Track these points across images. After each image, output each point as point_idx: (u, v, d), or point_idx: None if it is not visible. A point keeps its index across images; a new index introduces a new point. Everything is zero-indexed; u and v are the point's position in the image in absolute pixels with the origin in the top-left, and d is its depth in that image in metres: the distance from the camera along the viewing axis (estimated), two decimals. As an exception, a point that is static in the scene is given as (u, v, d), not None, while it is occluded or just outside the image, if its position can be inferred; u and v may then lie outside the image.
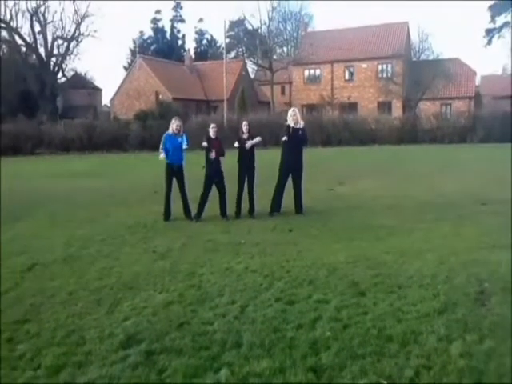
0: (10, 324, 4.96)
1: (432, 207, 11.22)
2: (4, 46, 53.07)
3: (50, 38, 52.65)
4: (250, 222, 10.09)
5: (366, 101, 47.39)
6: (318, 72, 50.30)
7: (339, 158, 27.29)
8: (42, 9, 51.41)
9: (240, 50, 68.99)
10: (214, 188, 10.51)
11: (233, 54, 68.10)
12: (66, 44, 53.71)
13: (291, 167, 10.63)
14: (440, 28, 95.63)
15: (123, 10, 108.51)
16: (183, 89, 49.51)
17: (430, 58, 47.04)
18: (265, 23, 54.30)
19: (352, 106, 46.78)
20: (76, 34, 53.53)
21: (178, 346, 4.37)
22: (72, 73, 58.20)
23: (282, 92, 58.20)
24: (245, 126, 10.59)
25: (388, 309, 5.06)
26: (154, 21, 70.23)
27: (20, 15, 52.74)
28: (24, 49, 52.93)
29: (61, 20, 66.90)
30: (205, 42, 74.86)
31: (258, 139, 10.53)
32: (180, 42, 71.19)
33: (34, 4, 51.44)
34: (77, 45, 54.47)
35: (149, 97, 47.09)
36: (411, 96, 43.22)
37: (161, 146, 10.45)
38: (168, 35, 70.54)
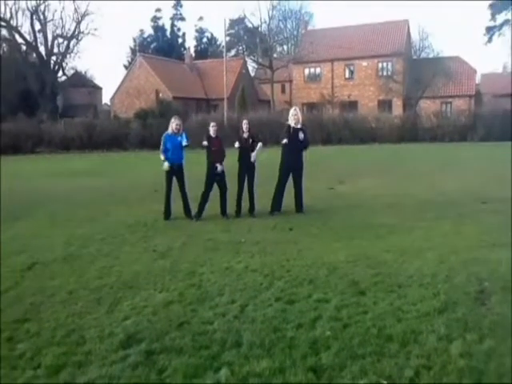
0: (10, 323, 4.96)
1: (432, 206, 11.22)
2: (4, 45, 53.07)
3: (50, 37, 52.76)
4: (250, 221, 10.09)
5: (366, 99, 47.36)
6: (318, 70, 50.27)
7: (339, 156, 27.29)
8: (42, 7, 51.55)
9: (240, 48, 68.93)
10: (214, 187, 10.50)
11: (233, 52, 68.05)
12: (66, 42, 53.77)
13: (291, 167, 10.61)
14: (440, 26, 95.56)
15: (123, 8, 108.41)
16: (183, 87, 49.50)
17: (431, 56, 47.06)
18: (265, 21, 54.38)
19: (352, 105, 46.75)
20: (76, 33, 53.64)
21: (178, 345, 4.37)
22: (72, 71, 58.29)
23: (283, 90, 58.16)
24: (245, 125, 10.59)
25: (388, 308, 5.06)
26: (154, 19, 70.21)
27: (20, 14, 53.05)
28: (24, 47, 52.97)
29: (61, 18, 66.94)
30: (205, 40, 74.80)
31: (259, 146, 10.52)
32: (180, 41, 71.16)
33: (34, 2, 51.47)
34: (77, 43, 54.63)
35: (149, 95, 47.07)
36: (411, 94, 43.21)
37: (161, 148, 10.45)
38: (168, 33, 70.49)
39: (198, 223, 10.07)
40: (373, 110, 43.93)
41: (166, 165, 10.41)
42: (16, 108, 41.82)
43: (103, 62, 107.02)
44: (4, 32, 51.68)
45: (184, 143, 10.39)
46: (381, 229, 8.95)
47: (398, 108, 44.86)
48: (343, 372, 3.84)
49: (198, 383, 3.78)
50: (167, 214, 10.48)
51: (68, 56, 55.02)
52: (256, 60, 58.66)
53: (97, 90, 62.39)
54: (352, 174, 17.91)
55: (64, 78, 56.73)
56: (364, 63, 47.86)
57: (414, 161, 23.22)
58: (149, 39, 70.26)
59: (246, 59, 58.56)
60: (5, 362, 4.17)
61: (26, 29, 53.00)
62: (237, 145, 10.48)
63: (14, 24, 50.67)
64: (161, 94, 46.59)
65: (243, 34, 63.97)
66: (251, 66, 62.24)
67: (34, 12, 51.06)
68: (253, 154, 10.46)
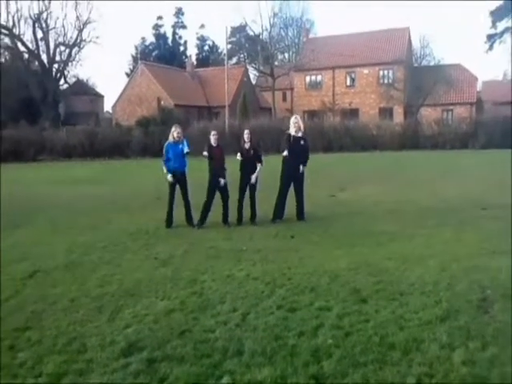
0: (11, 331, 4.95)
1: (433, 213, 11.21)
2: (6, 53, 53.28)
3: (52, 45, 52.95)
4: (251, 229, 10.09)
5: (367, 107, 47.42)
6: (319, 78, 50.37)
7: (340, 163, 27.29)
8: (44, 15, 51.73)
9: (241, 56, 69.21)
10: (216, 195, 10.50)
11: (234, 60, 68.30)
12: (68, 50, 53.94)
13: (292, 176, 10.61)
14: (441, 34, 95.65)
15: (125, 16, 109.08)
16: (185, 95, 49.63)
17: (432, 63, 47.00)
18: (266, 29, 54.48)
19: (353, 112, 46.76)
20: (78, 41, 53.78)
21: (180, 353, 4.37)
22: (74, 79, 58.57)
23: (284, 98, 58.28)
24: (246, 135, 10.58)
25: (390, 316, 5.05)
26: (156, 27, 70.50)
27: (22, 22, 52.82)
28: (26, 55, 53.18)
29: (63, 26, 67.49)
30: (206, 48, 75.05)
31: (259, 168, 10.54)
32: (182, 49, 71.42)
33: (36, 10, 51.75)
34: (79, 51, 54.79)
35: (151, 103, 47.17)
36: (412, 102, 43.22)
37: (163, 158, 10.48)
38: (170, 41, 70.77)
39: (200, 231, 10.07)
40: (374, 118, 43.93)
41: (170, 177, 10.43)
42: (18, 116, 41.89)
43: (105, 70, 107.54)
44: (6, 40, 51.94)
45: (185, 150, 10.42)
46: (382, 236, 8.95)
47: (399, 115, 44.88)
48: (345, 380, 3.83)
49: (199, 392, 3.78)
50: (169, 221, 10.47)
51: (70, 64, 55.29)
52: (257, 68, 58.79)
53: (98, 97, 62.58)
54: (353, 181, 17.91)
55: (66, 85, 56.96)
56: (365, 71, 47.95)
57: (415, 168, 23.21)
58: (150, 47, 70.54)
59: (248, 67, 58.75)
60: (6, 371, 4.17)
61: (28, 37, 53.63)
62: (239, 157, 10.50)
63: (17, 32, 50.91)
64: (162, 102, 46.70)
65: (244, 42, 64.22)
66: (252, 74, 62.43)
67: (37, 20, 51.29)
68: (253, 176, 10.51)
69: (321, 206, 12.55)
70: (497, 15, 54.29)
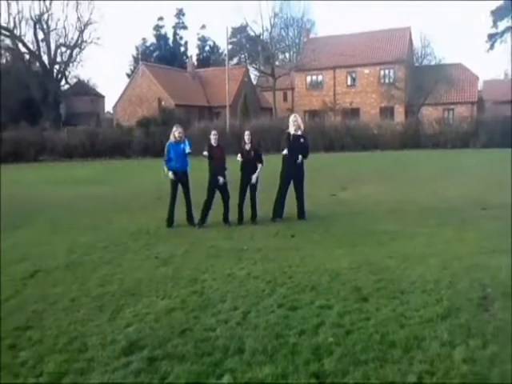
0: (12, 331, 4.96)
1: (435, 212, 11.20)
2: (7, 54, 53.33)
3: (53, 46, 53.04)
4: (252, 228, 10.09)
5: (368, 106, 47.40)
6: (320, 78, 50.36)
7: (341, 163, 27.28)
8: (45, 16, 51.77)
9: (242, 56, 69.23)
10: (217, 195, 10.51)
11: (235, 60, 68.35)
12: (69, 51, 53.98)
13: (292, 175, 10.61)
14: (442, 33, 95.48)
15: (126, 17, 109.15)
16: (186, 95, 49.66)
17: (433, 63, 46.96)
18: (267, 29, 54.46)
19: (354, 112, 46.74)
20: (79, 42, 53.83)
21: (181, 352, 4.37)
22: (75, 80, 58.59)
23: (285, 98, 58.30)
24: (247, 136, 10.57)
25: (391, 314, 5.05)
26: (157, 28, 70.50)
27: (23, 23, 52.90)
28: (27, 56, 53.21)
29: (64, 27, 66.92)
30: (207, 48, 75.07)
31: (260, 167, 10.54)
32: (182, 49, 71.44)
33: (37, 12, 51.74)
34: (80, 52, 54.85)
35: (151, 103, 47.22)
36: (413, 101, 43.20)
37: (164, 158, 10.49)
38: (170, 42, 70.80)
39: (201, 230, 10.08)
40: (375, 117, 43.93)
41: (171, 174, 10.45)
42: (19, 116, 41.94)
43: (106, 71, 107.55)
44: (7, 41, 52.02)
45: (187, 150, 10.43)
46: (383, 235, 8.94)
47: (400, 115, 44.87)
48: (346, 378, 3.83)
49: (200, 390, 3.78)
50: (170, 221, 10.47)
51: (71, 65, 55.36)
52: (258, 68, 58.79)
53: (99, 98, 62.60)
54: (354, 180, 17.90)
55: (67, 86, 57.01)
56: (366, 70, 47.94)
57: (417, 167, 23.20)
58: (151, 48, 70.57)
59: (248, 67, 58.80)
60: (7, 370, 4.17)
61: (29, 38, 53.47)
62: (239, 158, 10.51)
63: (18, 33, 50.97)
64: (163, 102, 46.74)
65: (245, 42, 64.23)
66: (253, 74, 62.46)
67: (38, 21, 51.33)
68: (253, 176, 10.51)
69: (322, 205, 12.55)
70: (498, 15, 54.29)
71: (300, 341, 4.50)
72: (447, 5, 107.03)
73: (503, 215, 10.19)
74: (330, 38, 52.19)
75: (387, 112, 45.65)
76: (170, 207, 10.51)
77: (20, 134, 36.94)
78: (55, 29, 52.98)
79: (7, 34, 50.55)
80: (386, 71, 47.41)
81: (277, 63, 56.29)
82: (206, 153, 10.30)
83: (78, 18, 54.07)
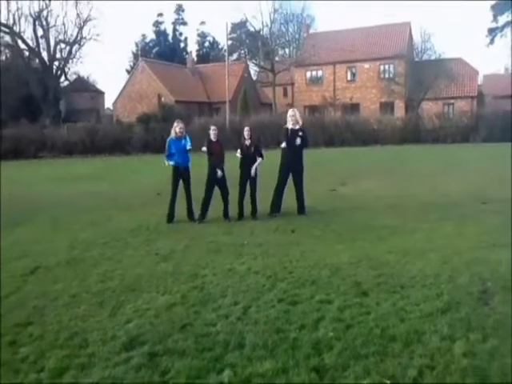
0: (13, 327, 4.97)
1: (435, 207, 11.20)
2: (7, 51, 53.22)
3: (52, 42, 52.93)
4: (252, 224, 10.09)
5: (368, 101, 47.35)
6: (320, 73, 50.29)
7: (341, 158, 27.26)
8: (44, 13, 51.64)
9: (242, 52, 68.98)
10: (216, 190, 10.51)
11: (235, 56, 68.12)
12: (68, 48, 53.90)
13: (291, 168, 10.62)
14: (442, 28, 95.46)
15: (125, 13, 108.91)
16: (185, 91, 49.58)
17: (433, 57, 46.84)
18: (267, 25, 54.28)
19: (354, 107, 46.71)
20: (78, 38, 53.72)
21: (181, 347, 4.38)
22: (75, 76, 58.38)
23: (284, 93, 58.22)
24: (246, 132, 10.58)
25: (391, 309, 5.06)
26: (156, 24, 70.40)
27: (23, 20, 52.85)
28: (27, 53, 53.11)
29: (63, 24, 66.96)
30: (207, 44, 74.96)
31: (259, 161, 10.55)
32: (182, 45, 71.33)
33: (36, 8, 51.66)
34: (79, 48, 54.73)
35: (151, 99, 47.16)
36: (413, 96, 43.14)
37: (166, 153, 10.50)
38: (170, 38, 70.70)
39: (201, 226, 10.08)
40: (375, 112, 43.92)
41: (172, 163, 10.44)
42: (18, 113, 41.91)
43: (105, 67, 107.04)
44: (7, 38, 51.91)
45: (188, 147, 10.43)
46: (383, 230, 8.94)
47: (400, 110, 44.84)
48: (346, 372, 3.84)
49: (200, 385, 3.78)
50: (171, 217, 10.48)
51: (70, 61, 55.20)
52: (258, 63, 58.68)
53: (99, 94, 62.53)
54: (354, 175, 17.89)
55: (66, 83, 56.84)
56: (366, 65, 47.87)
57: (416, 162, 23.19)
58: (151, 44, 70.46)
59: (248, 63, 58.61)
60: (8, 366, 4.18)
61: (28, 34, 53.40)
62: (239, 154, 10.50)
63: (17, 30, 50.86)
64: (163, 98, 46.67)
65: (245, 38, 64.01)
66: (253, 70, 62.34)
67: (37, 18, 51.21)
68: (252, 168, 10.50)
69: (322, 200, 12.54)
70: (498, 9, 54.22)
71: (300, 335, 4.50)
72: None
73: (503, 209, 10.19)
74: (329, 34, 52.09)
75: (387, 107, 45.64)
76: (171, 203, 10.51)
77: (20, 131, 36.93)
78: (54, 25, 52.92)
79: (7, 30, 50.45)
80: (386, 66, 47.35)
81: (277, 59, 56.14)
82: (204, 148, 10.31)
83: (78, 15, 54.15)
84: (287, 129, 10.57)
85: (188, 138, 10.55)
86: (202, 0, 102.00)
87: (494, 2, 54.19)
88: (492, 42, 57.35)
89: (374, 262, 6.79)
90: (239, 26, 64.56)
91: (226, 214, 10.54)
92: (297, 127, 10.58)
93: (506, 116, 34.91)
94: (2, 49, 52.34)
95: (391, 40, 48.04)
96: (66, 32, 53.38)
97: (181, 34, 71.73)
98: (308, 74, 50.72)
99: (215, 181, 10.40)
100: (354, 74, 49.01)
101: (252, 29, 57.87)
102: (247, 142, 10.52)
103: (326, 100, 47.79)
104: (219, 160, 10.33)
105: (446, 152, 28.68)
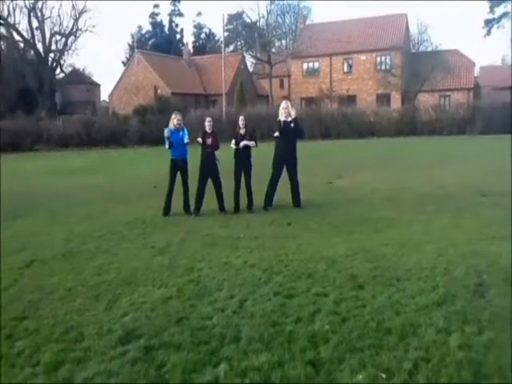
0: (9, 321, 4.95)
1: (431, 199, 11.21)
2: (2, 43, 52.90)
3: (47, 34, 52.50)
4: (248, 217, 10.08)
5: (364, 93, 47.29)
6: (316, 65, 50.19)
7: (338, 150, 27.25)
8: (39, 4, 51.21)
9: (238, 43, 68.85)
10: (209, 182, 10.49)
11: (231, 47, 67.97)
12: (64, 40, 53.50)
13: (285, 160, 10.62)
14: (439, 19, 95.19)
15: (121, 4, 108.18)
16: (182, 83, 49.40)
17: (429, 49, 46.84)
18: (263, 16, 54.19)
19: (351, 99, 46.65)
20: (74, 30, 53.31)
21: (177, 341, 4.38)
22: (70, 68, 58.03)
23: (281, 85, 58.05)
24: (241, 121, 10.59)
25: (387, 302, 5.07)
26: (153, 15, 70.10)
27: (18, 11, 52.50)
28: (22, 45, 52.77)
29: (58, 15, 66.99)
30: (203, 35, 74.69)
31: (252, 143, 10.51)
32: (178, 37, 71.07)
33: (31, 0, 51.24)
34: (75, 40, 54.28)
35: (147, 92, 46.99)
36: (410, 88, 43.10)
37: (166, 134, 10.31)
38: (166, 29, 70.38)
39: (197, 219, 10.07)
40: (371, 104, 43.90)
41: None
42: (14, 106, 41.70)
43: (101, 59, 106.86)
44: (2, 30, 51.57)
45: (186, 140, 10.38)
46: (379, 223, 8.95)
47: (396, 102, 44.81)
48: (342, 365, 3.85)
49: (196, 378, 3.78)
50: (167, 209, 10.46)
51: (66, 53, 54.78)
52: (254, 55, 58.56)
53: (95, 86, 62.23)
54: (350, 168, 17.89)
55: (62, 75, 56.50)
56: (362, 57, 47.77)
57: (413, 154, 23.20)
58: (147, 35, 70.14)
59: (245, 54, 58.45)
60: (3, 360, 4.17)
61: (23, 26, 53.15)
62: (233, 145, 10.47)
63: (12, 22, 50.47)
64: (159, 90, 46.51)
65: (241, 29, 63.90)
66: (249, 61, 62.17)
67: (32, 9, 50.82)
68: (243, 142, 10.40)
69: (318, 193, 12.54)
70: (495, 0, 54.04)
71: (296, 328, 4.51)
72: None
73: (503, 202, 10.18)
74: (326, 25, 51.97)
75: (384, 99, 45.60)
76: (168, 196, 10.48)
77: (16, 123, 36.75)
78: (50, 17, 52.84)
79: (1, 22, 50.09)
80: (383, 58, 47.26)
81: (273, 50, 56.03)
82: (199, 139, 10.30)
83: (73, 6, 53.79)
84: (280, 121, 10.57)
85: (186, 131, 10.49)
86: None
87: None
88: (489, 33, 57.34)
89: (371, 255, 6.80)
90: (235, 18, 64.39)
91: (221, 207, 10.53)
92: (289, 119, 10.56)
93: (504, 108, 34.90)
94: (-2, 41, 52.04)
95: (388, 31, 47.94)
96: (61, 23, 53.21)
97: (177, 25, 71.52)
98: (305, 66, 50.61)
99: (208, 172, 10.38)
100: (350, 66, 48.91)
101: (248, 20, 57.91)
102: (242, 131, 10.51)
103: (322, 92, 47.70)
104: (213, 151, 10.32)
105: (442, 144, 28.69)
